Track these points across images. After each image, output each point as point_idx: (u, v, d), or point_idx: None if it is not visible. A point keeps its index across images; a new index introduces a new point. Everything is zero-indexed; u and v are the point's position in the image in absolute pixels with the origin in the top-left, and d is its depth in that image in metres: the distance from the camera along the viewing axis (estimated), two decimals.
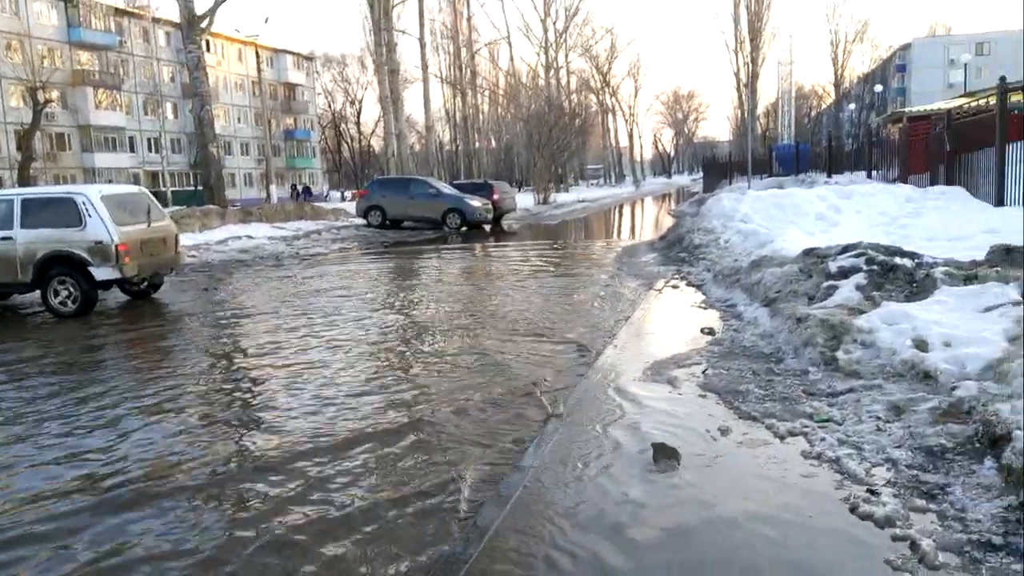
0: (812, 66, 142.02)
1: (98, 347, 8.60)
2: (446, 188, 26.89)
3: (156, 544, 3.62)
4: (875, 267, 8.00)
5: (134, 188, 12.40)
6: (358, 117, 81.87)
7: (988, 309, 6.29)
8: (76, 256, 10.43)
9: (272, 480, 4.33)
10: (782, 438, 4.67)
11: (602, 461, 4.44)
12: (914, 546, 3.26)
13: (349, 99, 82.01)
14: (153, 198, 12.04)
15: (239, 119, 64.83)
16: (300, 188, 53.73)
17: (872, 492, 3.80)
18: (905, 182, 20.00)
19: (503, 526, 3.63)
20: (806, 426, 4.80)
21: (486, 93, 62.48)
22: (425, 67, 39.98)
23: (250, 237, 21.02)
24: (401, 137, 37.37)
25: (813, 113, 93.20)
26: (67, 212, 10.53)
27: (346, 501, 4.03)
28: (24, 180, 38.37)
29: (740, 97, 69.36)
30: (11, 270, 10.63)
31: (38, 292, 10.73)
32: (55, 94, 44.02)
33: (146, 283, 11.92)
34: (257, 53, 41.19)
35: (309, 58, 75.47)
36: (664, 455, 4.40)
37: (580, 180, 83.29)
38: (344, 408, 5.65)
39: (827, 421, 4.89)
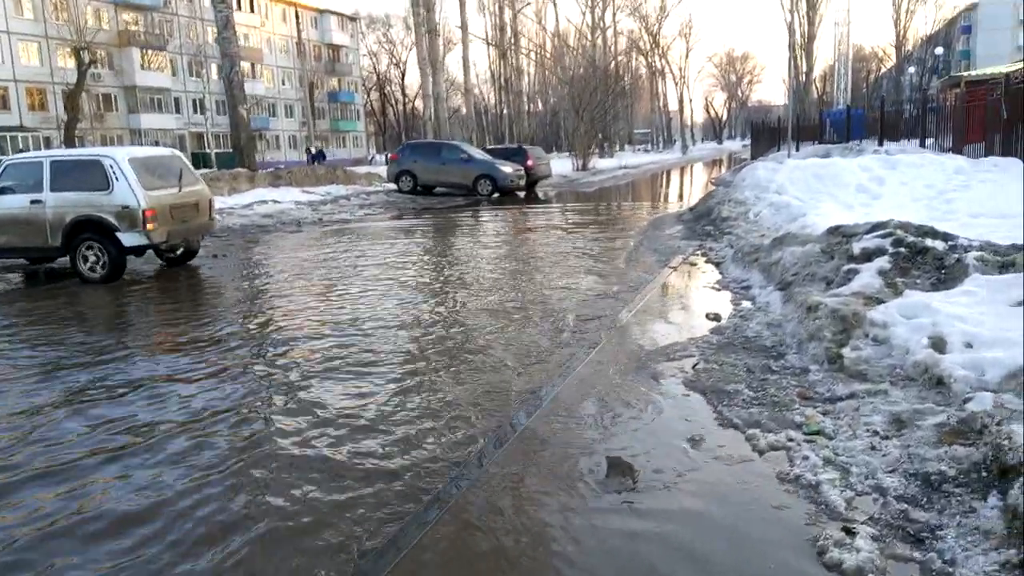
0: (872, 27, 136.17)
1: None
2: (478, 153, 26.24)
3: None
4: (902, 249, 7.27)
5: (166, 151, 11.93)
6: (403, 79, 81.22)
7: (1021, 303, 5.56)
8: (104, 221, 10.15)
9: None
10: (761, 453, 4.11)
11: (542, 475, 3.93)
12: None
13: (394, 61, 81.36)
14: (186, 161, 11.64)
15: (283, 81, 64.79)
16: (314, 151, 53.16)
17: (848, 532, 3.23)
18: (960, 152, 18.82)
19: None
20: (791, 439, 4.21)
21: (532, 55, 61.25)
22: (465, 27, 39.04)
23: (276, 202, 20.75)
24: (439, 100, 36.71)
25: (872, 77, 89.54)
26: (95, 175, 10.21)
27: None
28: (70, 140, 38.91)
29: (795, 59, 66.82)
30: (41, 234, 10.40)
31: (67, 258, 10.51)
32: (101, 55, 44.31)
33: (180, 250, 11.61)
34: (297, 13, 40.71)
35: (353, 19, 74.82)
36: (618, 472, 3.88)
37: (628, 145, 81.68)
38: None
39: (816, 433, 4.29)
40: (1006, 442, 3.65)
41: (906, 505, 3.43)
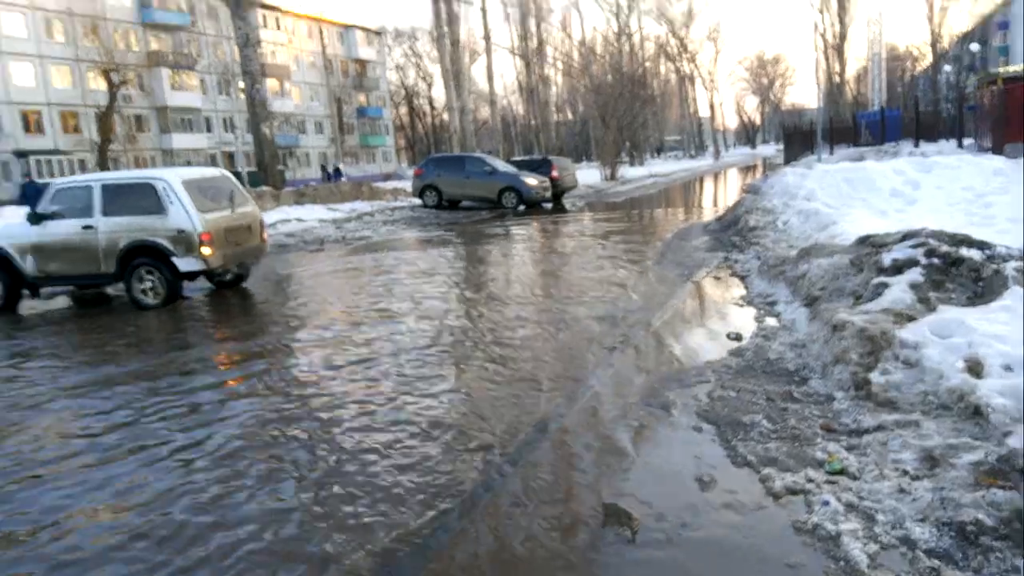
0: (906, 26, 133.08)
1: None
2: (502, 165, 25.93)
3: None
4: (935, 260, 6.82)
5: (215, 171, 11.61)
6: (430, 91, 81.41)
7: None
8: (159, 246, 9.89)
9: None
10: (777, 497, 3.73)
11: (533, 520, 3.59)
12: None
13: (421, 74, 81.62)
14: (236, 181, 11.41)
15: (312, 97, 65.23)
16: (331, 169, 53.06)
17: None
18: (999, 152, 18.10)
19: None
20: (811, 480, 3.84)
21: (558, 64, 61.05)
22: (488, 37, 38.96)
23: (300, 220, 20.69)
24: (464, 112, 36.63)
25: (908, 77, 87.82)
26: (148, 198, 9.95)
27: None
28: (103, 162, 39.46)
29: (827, 59, 65.72)
30: (94, 260, 10.16)
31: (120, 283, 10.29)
32: (131, 76, 44.93)
33: (231, 274, 11.33)
34: (321, 30, 40.91)
35: (379, 33, 75.18)
36: (616, 520, 3.54)
37: (659, 153, 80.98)
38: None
39: (839, 472, 3.91)
40: None
41: (938, 562, 3.05)
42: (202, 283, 11.25)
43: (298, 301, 10.08)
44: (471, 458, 4.39)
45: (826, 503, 3.57)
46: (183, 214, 9.84)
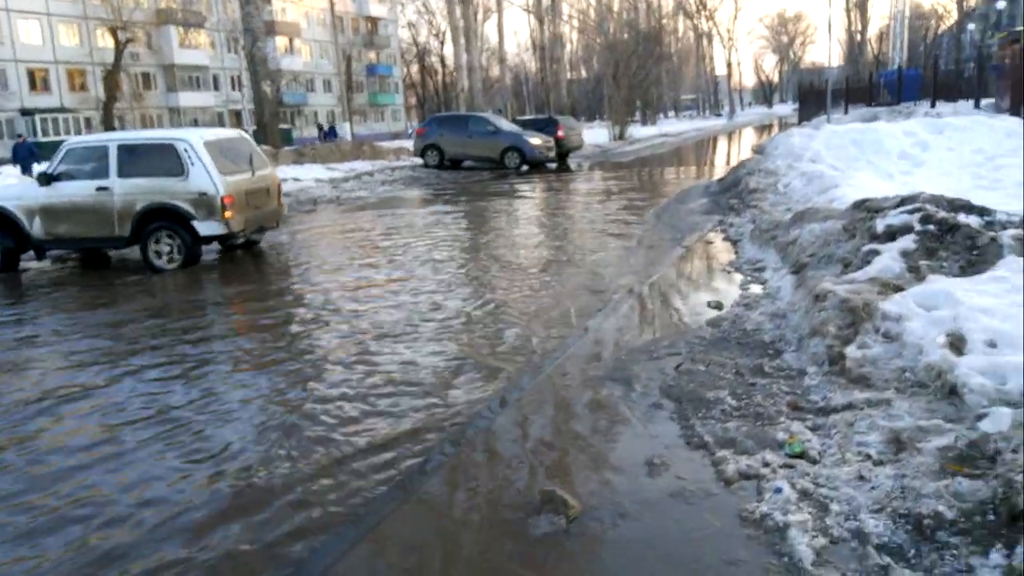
0: None
1: None
2: (505, 125, 25.43)
3: None
4: (931, 227, 6.47)
5: (234, 132, 11.18)
6: (442, 49, 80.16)
7: None
8: (179, 209, 9.51)
9: None
10: (729, 483, 3.48)
11: (469, 504, 3.37)
12: None
13: (433, 31, 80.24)
14: (254, 143, 11.06)
15: (321, 55, 64.45)
16: (325, 128, 52.28)
17: None
18: (1017, 113, 17.51)
19: None
20: (767, 464, 3.58)
21: (574, 21, 59.80)
22: None
23: (296, 179, 20.37)
24: (473, 70, 35.97)
25: (931, 35, 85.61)
26: (167, 160, 9.56)
27: None
28: (108, 120, 39.23)
29: (848, 18, 64.12)
30: (107, 223, 9.75)
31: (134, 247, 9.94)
32: (139, 34, 44.44)
33: (243, 237, 10.75)
34: None
35: None
36: (551, 507, 3.29)
37: (673, 112, 79.67)
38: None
39: (799, 456, 3.65)
40: (1020, 477, 2.98)
41: (888, 559, 2.80)
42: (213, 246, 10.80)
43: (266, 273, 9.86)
44: (411, 441, 4.16)
45: (779, 490, 3.32)
46: (205, 176, 9.44)
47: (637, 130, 41.86)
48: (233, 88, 54.60)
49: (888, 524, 3.00)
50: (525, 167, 23.60)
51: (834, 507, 3.17)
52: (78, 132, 40.52)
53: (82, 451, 4.16)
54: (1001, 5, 51.45)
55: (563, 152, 25.96)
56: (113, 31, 40.58)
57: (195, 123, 50.21)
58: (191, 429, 4.40)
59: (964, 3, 69.31)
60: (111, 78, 40.18)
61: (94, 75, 45.14)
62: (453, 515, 3.35)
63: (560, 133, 25.59)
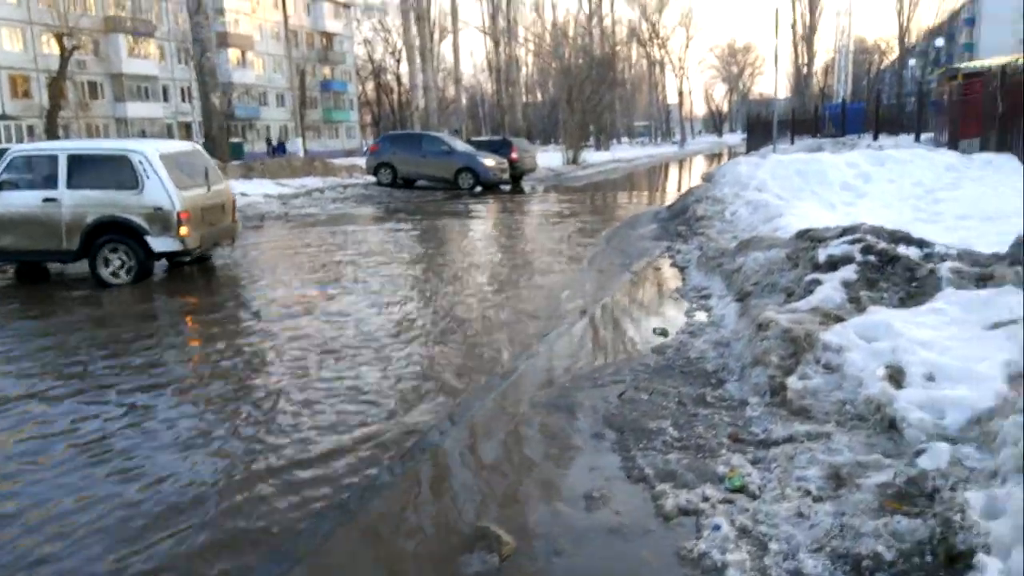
0: (876, 19, 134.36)
1: None
2: (460, 145, 25.39)
3: None
4: (871, 258, 6.56)
5: (190, 145, 10.83)
6: (398, 68, 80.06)
7: (996, 326, 4.84)
8: (131, 223, 9.10)
9: None
10: (668, 519, 3.40)
11: (402, 536, 3.22)
12: None
13: (389, 49, 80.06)
14: (208, 157, 10.70)
15: (275, 69, 63.80)
16: (274, 143, 51.63)
17: None
18: (955, 147, 18.05)
19: None
20: (707, 499, 3.51)
21: (530, 44, 60.34)
22: (455, 13, 38.25)
23: (244, 194, 19.95)
24: (428, 89, 35.90)
25: (874, 70, 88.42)
26: (121, 172, 9.12)
27: None
28: (52, 129, 38.09)
29: (795, 51, 65.76)
30: (55, 236, 9.26)
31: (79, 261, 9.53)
32: (86, 41, 43.43)
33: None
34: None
35: (347, 5, 73.72)
36: (484, 545, 3.17)
37: (626, 138, 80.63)
38: None
39: (740, 490, 3.59)
40: (957, 517, 2.95)
41: None
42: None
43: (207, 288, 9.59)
44: (354, 460, 4.00)
45: (717, 527, 3.24)
46: (161, 190, 9.07)
47: (591, 155, 42.18)
48: (183, 99, 53.73)
49: (827, 564, 2.94)
50: (479, 188, 23.57)
51: (773, 546, 3.11)
52: (20, 140, 39.28)
53: None
54: (940, 43, 53.52)
55: (517, 174, 26.00)
56: (59, 37, 39.49)
57: (143, 134, 49.16)
58: (115, 448, 4.18)
59: (905, 39, 71.76)
60: (56, 85, 39.05)
61: (38, 82, 43.95)
62: (380, 555, 3.20)
63: (514, 155, 25.65)
